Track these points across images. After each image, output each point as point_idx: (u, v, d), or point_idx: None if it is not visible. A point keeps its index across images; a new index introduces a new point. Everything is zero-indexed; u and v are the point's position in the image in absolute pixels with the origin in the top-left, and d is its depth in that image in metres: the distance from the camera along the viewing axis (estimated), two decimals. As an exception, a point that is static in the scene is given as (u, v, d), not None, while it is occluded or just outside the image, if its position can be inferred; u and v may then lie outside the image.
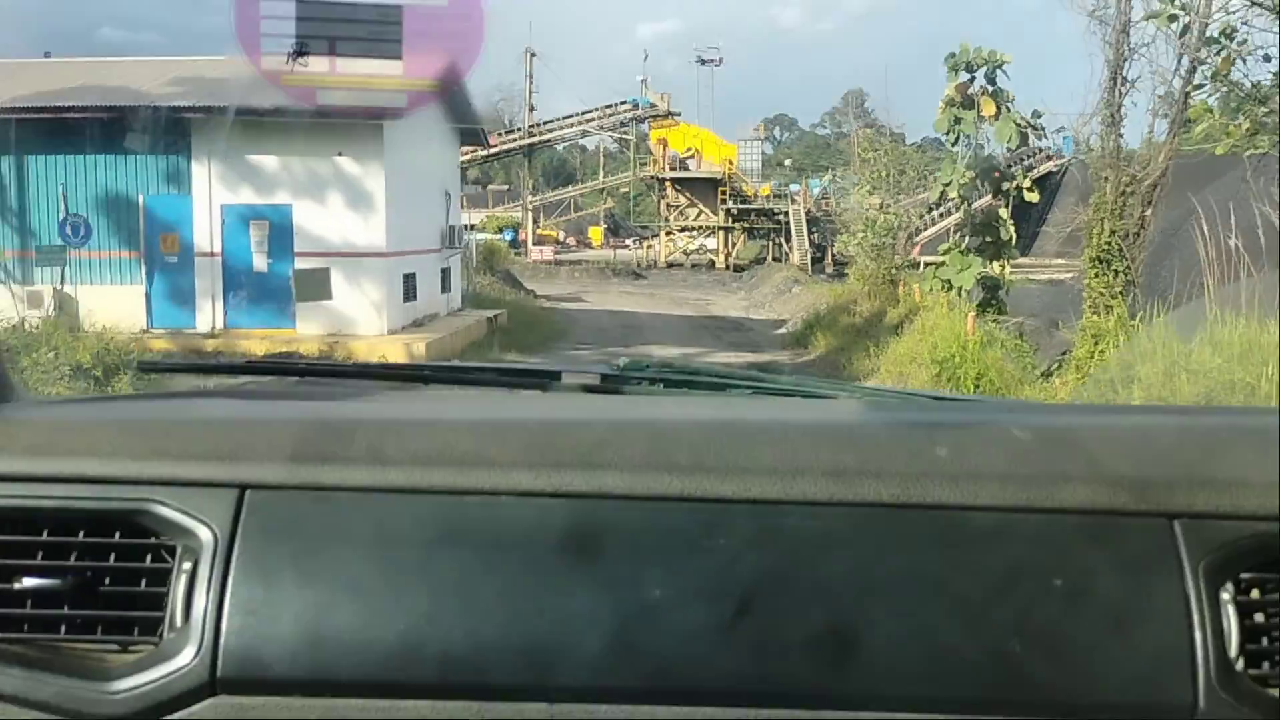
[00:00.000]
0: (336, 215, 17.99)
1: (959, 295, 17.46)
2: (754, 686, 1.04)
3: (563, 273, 40.16)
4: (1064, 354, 17.51)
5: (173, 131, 18.23)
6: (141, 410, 1.43)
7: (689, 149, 46.11)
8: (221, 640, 1.06)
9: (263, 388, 1.98)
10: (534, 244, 45.79)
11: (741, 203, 46.01)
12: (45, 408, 1.42)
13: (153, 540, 1.14)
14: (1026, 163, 24.95)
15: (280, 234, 18.42)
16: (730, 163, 45.97)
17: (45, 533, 1.13)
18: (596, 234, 55.42)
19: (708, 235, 47.17)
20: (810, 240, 43.45)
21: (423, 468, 1.13)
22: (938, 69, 17.21)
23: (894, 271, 18.99)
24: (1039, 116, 17.61)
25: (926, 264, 29.20)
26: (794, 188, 47.49)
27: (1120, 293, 10.77)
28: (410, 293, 19.16)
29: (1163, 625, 1.05)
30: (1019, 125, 17.14)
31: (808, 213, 44.30)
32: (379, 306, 17.99)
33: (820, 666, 1.04)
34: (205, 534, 1.10)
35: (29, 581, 1.11)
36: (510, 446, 1.16)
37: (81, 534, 1.13)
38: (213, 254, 18.41)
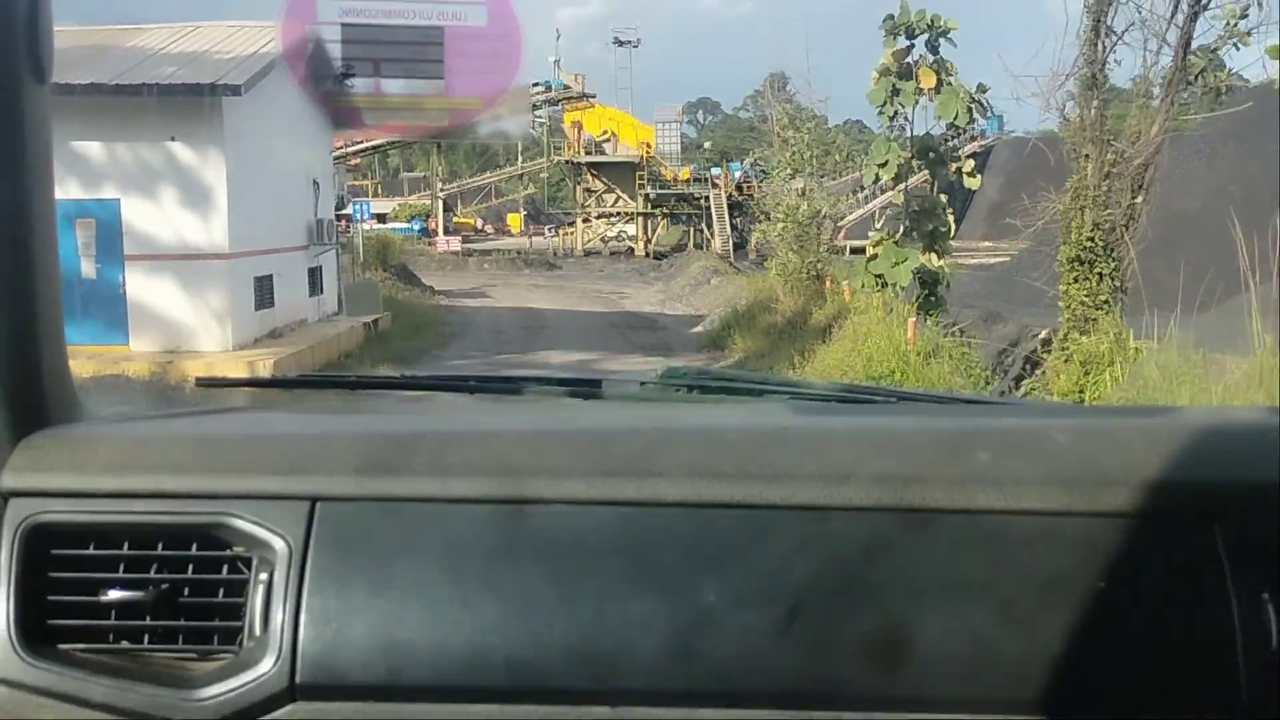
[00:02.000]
0: (171, 211, 14.94)
1: (894, 292, 15.00)
2: (806, 688, 1.06)
3: (471, 264, 37.12)
4: (1005, 351, 15.17)
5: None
6: (212, 426, 1.41)
7: (605, 132, 43.28)
8: (299, 648, 1.08)
9: (319, 402, 1.93)
10: (444, 233, 42.65)
11: (661, 188, 43.34)
12: (118, 425, 1.39)
13: (229, 552, 1.16)
14: (952, 143, 22.57)
15: (108, 234, 15.29)
16: (648, 146, 43.22)
17: (126, 546, 1.16)
18: (515, 221, 52.78)
19: (627, 221, 44.48)
20: (732, 226, 41.10)
21: (483, 478, 1.15)
22: (861, 48, 14.75)
23: (819, 266, 16.38)
24: (984, 91, 15.08)
25: (852, 250, 26.90)
26: (715, 172, 44.94)
27: (1106, 302, 8.27)
28: (265, 298, 16.18)
29: (1205, 625, 1.05)
30: (964, 100, 14.59)
31: (729, 197, 41.87)
32: (222, 317, 15.01)
33: (870, 669, 1.05)
34: (280, 545, 1.13)
35: (113, 594, 1.14)
36: (564, 456, 1.18)
37: (160, 547, 1.16)
38: (35, 257, 15.28)
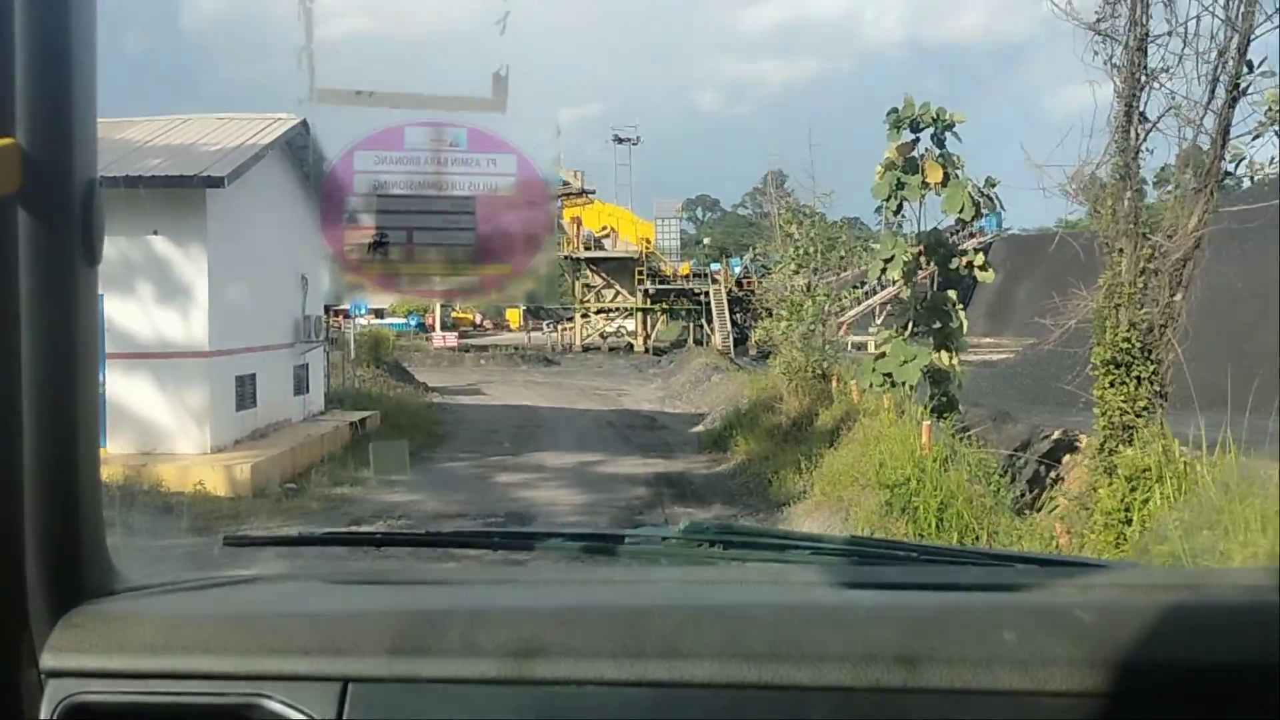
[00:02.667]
0: (151, 307, 14.29)
1: (906, 391, 14.29)
2: None
3: (467, 360, 36.46)
4: (1015, 454, 14.38)
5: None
6: (245, 601, 1.42)
7: (604, 228, 43.11)
8: None
9: (350, 569, 1.84)
10: (441, 329, 42.13)
11: (660, 283, 42.99)
12: (155, 599, 1.37)
13: None
14: (953, 239, 22.05)
15: (87, 330, 14.66)
16: (647, 242, 43.00)
17: None
18: (514, 316, 52.42)
19: (626, 317, 44.05)
20: (733, 321, 40.63)
21: (514, 659, 1.13)
22: (857, 145, 14.24)
23: (824, 364, 15.64)
24: (993, 185, 14.58)
25: (854, 345, 26.25)
26: (714, 267, 44.65)
27: (1146, 408, 7.52)
28: (248, 398, 15.45)
29: None
30: (971, 194, 14.06)
31: (729, 293, 41.51)
32: (201, 418, 14.26)
33: None
34: None
35: None
36: (594, 636, 1.16)
37: None
38: (10, 354, 14.58)
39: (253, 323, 15.65)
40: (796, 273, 16.53)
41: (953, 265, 14.95)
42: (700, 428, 20.48)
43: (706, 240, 62.28)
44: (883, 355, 14.75)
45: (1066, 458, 16.53)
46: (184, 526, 12.04)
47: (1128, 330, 7.56)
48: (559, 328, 46.57)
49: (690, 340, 42.50)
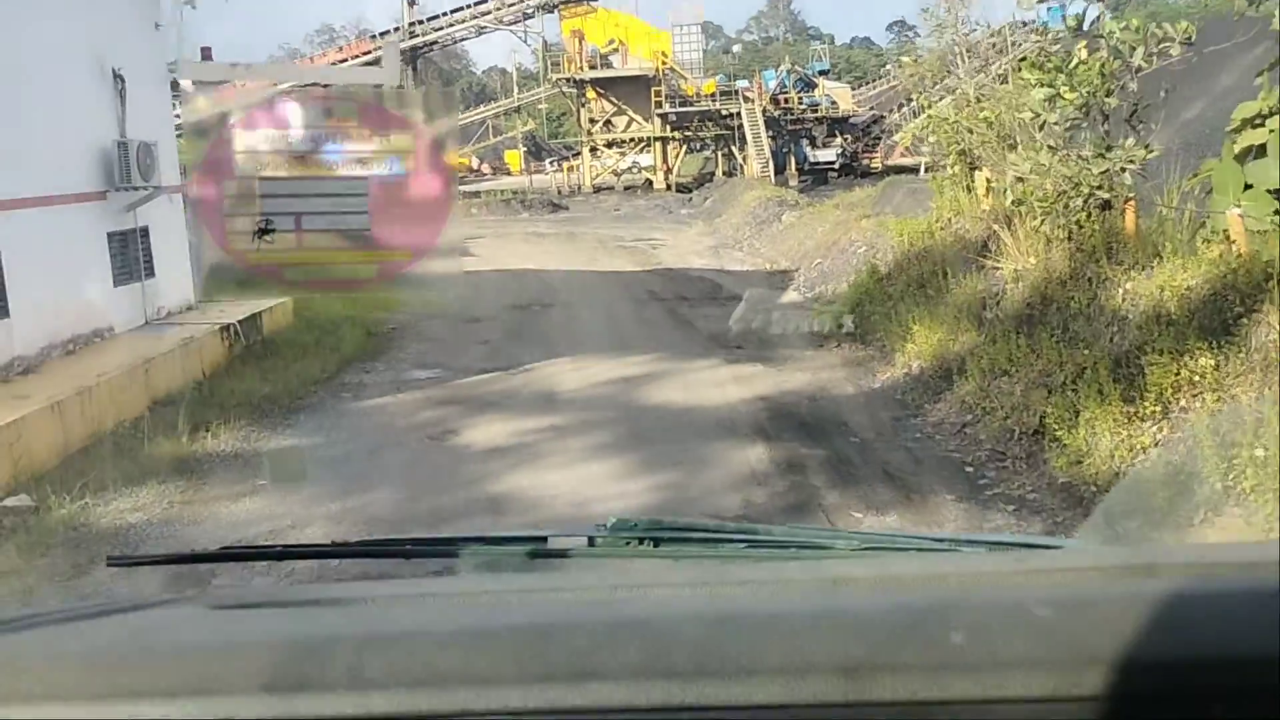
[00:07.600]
0: None
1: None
2: None
3: (455, 210, 28.24)
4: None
5: None
6: (103, 635, 1.18)
7: (611, 41, 34.03)
8: None
9: (234, 592, 1.67)
10: (425, 175, 33.71)
11: (682, 105, 34.22)
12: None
13: None
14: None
15: None
16: (664, 56, 34.00)
17: None
18: (514, 159, 44.74)
19: (641, 149, 35.44)
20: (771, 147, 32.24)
21: (407, 690, 0.91)
22: None
23: (1112, 182, 7.34)
24: None
25: (894, 169, 17.92)
26: (742, 84, 35.80)
27: None
28: (-15, 302, 7.61)
29: None
30: None
31: (764, 112, 32.85)
32: None
33: None
34: None
35: None
36: (498, 659, 0.94)
37: None
38: None
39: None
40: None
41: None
42: (794, 295, 12.61)
43: (736, 49, 52.09)
44: (1251, 149, 6.73)
45: None
46: None
47: None
48: (564, 167, 38.28)
49: (718, 171, 34.18)
